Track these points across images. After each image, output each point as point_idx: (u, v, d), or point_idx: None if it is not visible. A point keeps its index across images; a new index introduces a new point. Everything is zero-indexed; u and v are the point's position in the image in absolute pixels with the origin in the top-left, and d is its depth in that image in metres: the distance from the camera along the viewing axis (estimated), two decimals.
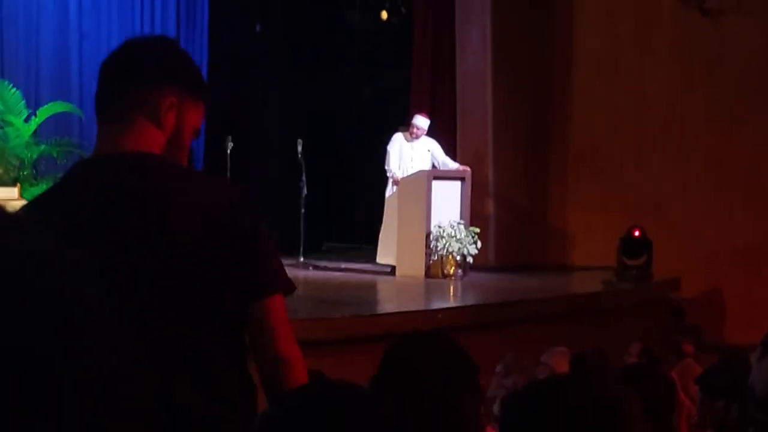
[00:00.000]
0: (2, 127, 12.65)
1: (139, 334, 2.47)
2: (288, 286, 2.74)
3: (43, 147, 12.65)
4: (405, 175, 12.41)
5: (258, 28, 16.45)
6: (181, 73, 2.73)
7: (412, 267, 12.09)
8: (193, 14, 15.39)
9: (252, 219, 2.67)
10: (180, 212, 2.58)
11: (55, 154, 12.74)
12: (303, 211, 13.17)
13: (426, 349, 2.88)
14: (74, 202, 2.61)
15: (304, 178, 13.21)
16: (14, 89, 12.76)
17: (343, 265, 13.48)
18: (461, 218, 12.22)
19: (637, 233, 12.25)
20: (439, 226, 11.98)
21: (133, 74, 2.68)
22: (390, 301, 11.70)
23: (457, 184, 12.41)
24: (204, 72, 15.25)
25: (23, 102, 12.76)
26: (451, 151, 13.14)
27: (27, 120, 12.69)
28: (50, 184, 12.12)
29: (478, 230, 12.19)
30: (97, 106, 2.72)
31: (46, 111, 12.80)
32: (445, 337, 2.99)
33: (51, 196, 2.75)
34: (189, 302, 2.57)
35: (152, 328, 2.51)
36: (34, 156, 12.61)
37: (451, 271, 12.00)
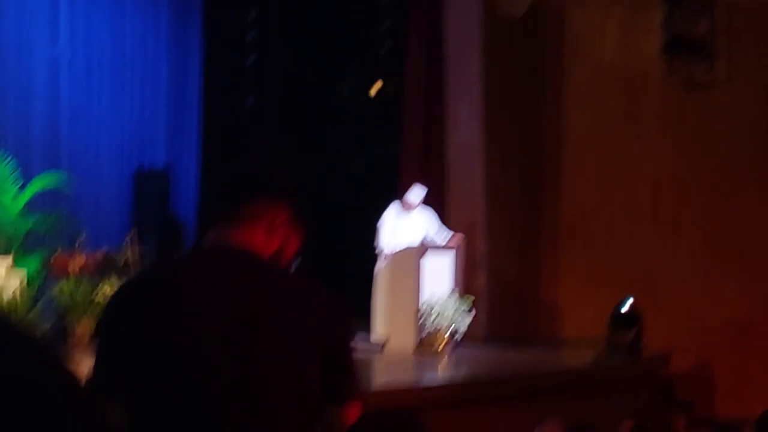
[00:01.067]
0: None
1: (230, 413, 2.58)
2: (363, 399, 2.90)
3: (32, 221, 12.63)
4: (397, 248, 12.40)
5: (250, 102, 16.53)
6: (295, 198, 2.98)
7: (403, 342, 12.05)
8: (183, 90, 15.44)
9: (348, 331, 2.92)
10: (289, 309, 2.76)
11: (44, 229, 12.72)
12: None
13: (387, 425, 2.94)
14: (187, 285, 2.75)
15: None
16: (4, 164, 12.75)
17: None
18: (453, 289, 12.21)
19: (627, 307, 12.21)
20: (430, 301, 11.97)
21: (257, 189, 2.92)
22: (381, 377, 11.64)
23: (449, 256, 12.41)
24: (196, 147, 15.43)
25: (13, 176, 12.75)
26: (442, 223, 13.15)
27: (16, 194, 12.68)
28: (42, 256, 12.18)
29: (472, 298, 12.17)
30: (216, 216, 2.93)
31: (35, 185, 12.80)
32: (407, 418, 3.03)
33: (161, 277, 2.88)
34: (285, 395, 2.71)
35: (245, 411, 2.65)
36: (24, 230, 12.59)
37: (442, 346, 11.97)
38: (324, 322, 2.79)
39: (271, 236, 2.86)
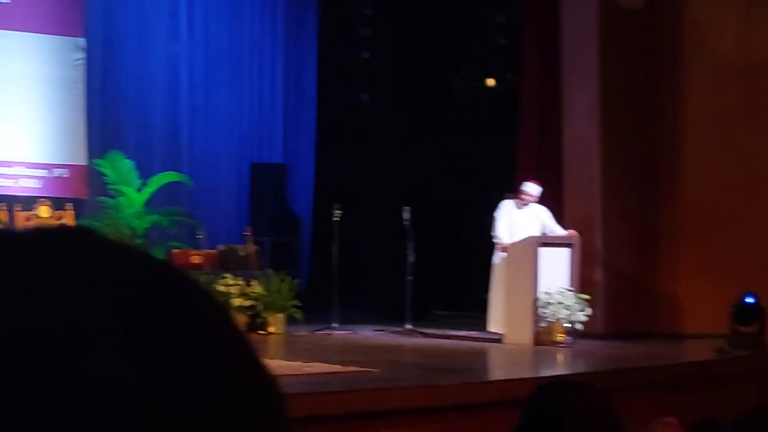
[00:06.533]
0: (115, 198, 12.90)
1: None
2: None
3: (154, 217, 12.86)
4: (513, 241, 12.38)
5: (365, 98, 16.62)
6: None
7: (521, 334, 12.01)
8: (301, 86, 15.63)
9: None
10: None
11: (166, 224, 12.94)
12: (410, 278, 13.16)
13: (572, 397, 2.83)
14: None
15: (410, 244, 13.23)
16: (127, 160, 13.02)
17: (450, 333, 13.41)
18: (570, 285, 12.14)
19: (750, 300, 12.04)
20: (548, 293, 11.91)
21: None
22: (498, 368, 11.63)
23: (566, 250, 12.35)
24: (312, 142, 15.59)
25: (136, 172, 13.00)
26: (558, 217, 13.08)
27: (139, 190, 12.92)
28: (163, 251, 12.40)
29: (587, 297, 12.09)
30: None
31: (157, 181, 13.04)
32: (593, 389, 2.94)
33: None
34: None
35: None
36: (146, 225, 12.82)
37: (560, 339, 11.90)
38: None
39: None
